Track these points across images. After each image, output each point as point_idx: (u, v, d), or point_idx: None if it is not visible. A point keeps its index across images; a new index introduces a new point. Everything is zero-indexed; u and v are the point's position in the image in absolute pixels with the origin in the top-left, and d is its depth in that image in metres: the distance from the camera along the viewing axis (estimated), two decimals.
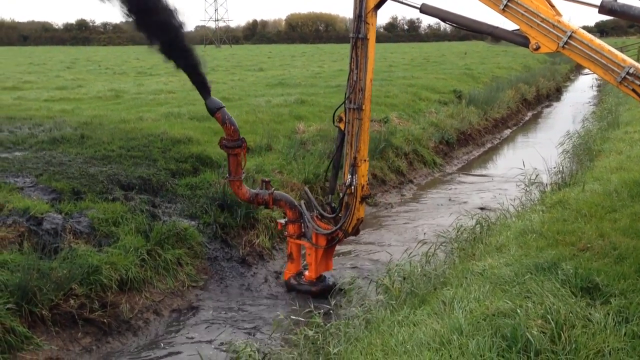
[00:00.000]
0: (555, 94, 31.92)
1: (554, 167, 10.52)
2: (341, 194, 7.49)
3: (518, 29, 5.66)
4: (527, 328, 4.03)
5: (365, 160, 7.26)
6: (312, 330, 5.48)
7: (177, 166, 10.14)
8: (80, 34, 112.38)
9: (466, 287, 5.16)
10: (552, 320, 4.12)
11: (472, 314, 4.48)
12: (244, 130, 12.90)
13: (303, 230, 7.96)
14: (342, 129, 7.31)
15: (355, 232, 7.69)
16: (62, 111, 14.39)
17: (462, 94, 21.03)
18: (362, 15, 6.78)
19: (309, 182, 10.91)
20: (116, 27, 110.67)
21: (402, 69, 29.93)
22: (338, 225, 7.53)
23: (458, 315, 4.46)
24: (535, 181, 9.82)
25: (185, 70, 6.71)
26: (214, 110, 7.28)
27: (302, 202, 8.18)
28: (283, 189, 10.39)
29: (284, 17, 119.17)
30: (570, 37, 5.32)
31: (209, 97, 7.17)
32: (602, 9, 5.19)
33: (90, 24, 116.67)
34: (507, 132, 20.73)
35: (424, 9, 6.30)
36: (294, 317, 6.36)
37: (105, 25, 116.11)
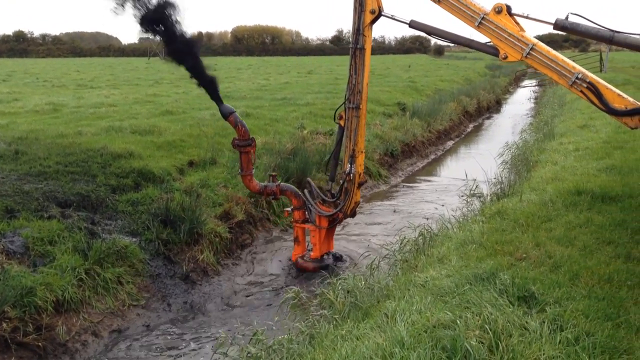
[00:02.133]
0: (495, 106, 32.87)
1: (494, 178, 10.78)
2: (341, 182, 8.80)
3: (490, 42, 6.83)
4: (466, 339, 4.08)
5: (362, 152, 8.58)
6: (254, 347, 5.41)
7: (118, 182, 9.88)
8: (18, 45, 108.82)
9: (408, 299, 5.20)
10: (490, 330, 4.19)
11: (414, 326, 4.51)
12: (187, 144, 12.78)
13: (307, 216, 9.16)
14: (342, 125, 8.57)
15: (353, 214, 8.99)
16: None
17: (406, 106, 21.39)
18: (360, 29, 8.03)
19: (254, 195, 10.83)
20: (56, 39, 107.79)
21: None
22: (339, 208, 8.82)
23: (400, 328, 4.48)
24: (476, 192, 10.04)
25: (202, 84, 7.95)
26: (226, 115, 8.44)
27: (306, 191, 9.29)
28: (228, 203, 10.30)
29: (229, 30, 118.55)
30: (531, 49, 6.51)
31: (222, 104, 8.36)
32: (556, 26, 6.25)
33: (29, 35, 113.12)
34: (450, 143, 21.18)
35: (413, 25, 7.52)
36: (239, 335, 6.27)
37: (44, 36, 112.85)
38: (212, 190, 10.55)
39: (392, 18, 7.80)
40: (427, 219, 10.91)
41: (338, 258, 9.35)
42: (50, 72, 45.19)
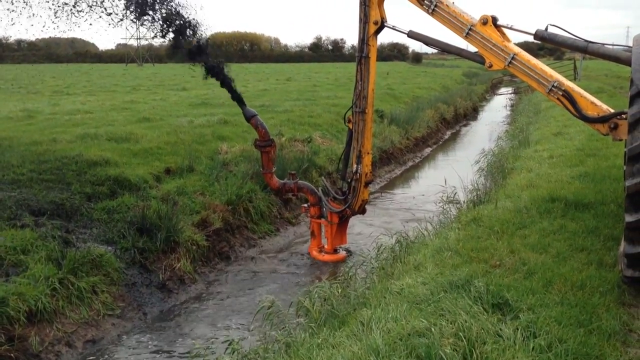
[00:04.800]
0: (472, 113, 33.17)
1: (470, 185, 10.86)
2: (349, 180, 9.36)
3: (477, 51, 7.35)
4: (441, 346, 4.11)
5: (368, 153, 9.09)
6: (230, 357, 5.38)
7: (93, 189, 9.78)
8: None
9: (384, 306, 5.21)
10: (465, 338, 4.21)
11: (389, 334, 4.52)
12: (164, 151, 12.70)
13: (322, 211, 9.81)
14: (350, 128, 9.08)
15: (362, 211, 9.60)
16: None
17: (384, 113, 21.44)
18: (365, 38, 8.57)
19: (232, 203, 10.79)
20: (31, 45, 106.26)
21: (326, 89, 30.27)
22: (347, 205, 9.40)
23: (375, 336, 4.49)
24: (453, 199, 10.11)
25: (227, 89, 9.03)
26: (249, 118, 9.34)
27: (320, 188, 9.96)
28: (205, 211, 10.24)
29: (208, 36, 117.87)
30: (513, 58, 6.97)
31: (245, 107, 9.28)
32: (536, 36, 6.78)
33: (4, 41, 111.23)
34: (428, 150, 21.32)
35: (411, 35, 8.17)
36: (215, 345, 6.23)
37: (19, 42, 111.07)
38: (189, 198, 10.49)
39: (394, 28, 8.39)
40: (404, 225, 10.95)
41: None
42: (26, 78, 44.55)
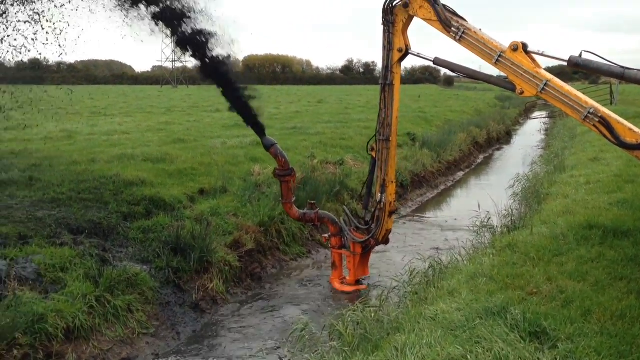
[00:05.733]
0: (505, 137, 32.85)
1: (504, 210, 10.74)
2: (373, 209, 9.22)
3: (507, 77, 7.15)
4: None
5: (392, 182, 8.94)
6: None
7: (130, 209, 9.96)
8: (33, 73, 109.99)
9: (418, 332, 5.18)
10: None
11: None
12: (198, 172, 12.90)
13: (343, 242, 9.55)
14: (374, 156, 9.00)
15: (386, 241, 9.40)
16: (10, 152, 14.03)
17: (415, 136, 21.44)
18: (389, 66, 8.46)
19: (264, 224, 10.87)
20: (70, 67, 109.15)
21: (358, 112, 30.40)
22: (370, 235, 9.20)
23: None
24: (487, 224, 10.01)
25: (245, 119, 8.83)
26: (268, 147, 9.09)
27: (342, 218, 9.73)
28: (238, 232, 10.33)
29: (241, 59, 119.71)
30: (545, 84, 6.81)
31: (264, 136, 9.02)
32: (569, 63, 6.61)
33: (44, 63, 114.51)
34: (460, 174, 21.17)
35: (437, 62, 7.96)
36: None
37: (59, 64, 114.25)
38: (222, 219, 10.60)
39: (418, 56, 8.28)
40: (437, 250, 10.88)
41: None
42: (65, 99, 45.70)
